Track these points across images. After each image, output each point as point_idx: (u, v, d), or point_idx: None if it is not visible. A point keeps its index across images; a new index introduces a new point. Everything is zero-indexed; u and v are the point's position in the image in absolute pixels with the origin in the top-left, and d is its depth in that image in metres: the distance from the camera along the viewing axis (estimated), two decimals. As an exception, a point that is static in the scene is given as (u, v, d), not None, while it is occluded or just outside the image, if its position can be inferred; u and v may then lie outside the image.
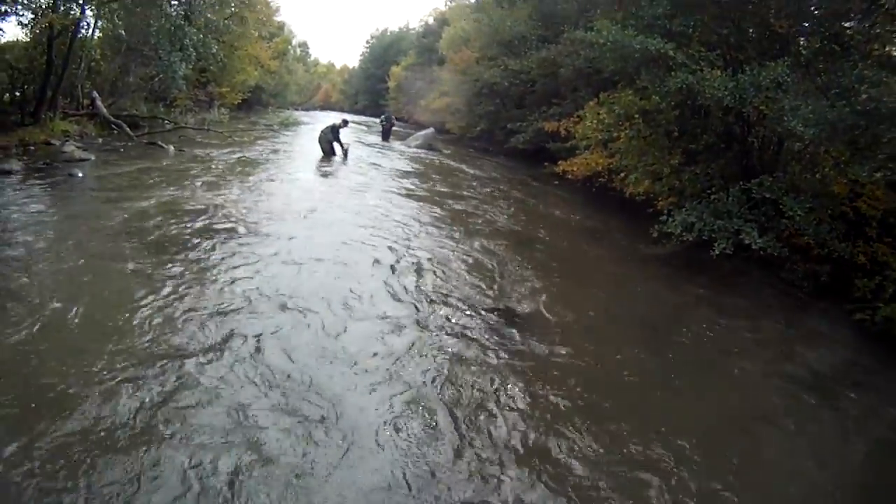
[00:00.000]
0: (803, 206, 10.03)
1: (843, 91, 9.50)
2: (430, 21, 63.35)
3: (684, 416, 5.96)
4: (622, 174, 15.96)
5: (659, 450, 5.23)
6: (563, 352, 6.96)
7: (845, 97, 9.34)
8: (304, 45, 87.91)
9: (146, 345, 5.61)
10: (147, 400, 4.75)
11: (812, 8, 10.86)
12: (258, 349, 5.88)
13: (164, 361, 5.38)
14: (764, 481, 5.11)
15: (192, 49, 20.07)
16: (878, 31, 10.78)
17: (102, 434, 4.31)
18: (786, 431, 6.11)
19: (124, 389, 4.85)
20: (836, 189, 11.06)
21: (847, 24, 11.02)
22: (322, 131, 20.80)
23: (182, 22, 19.30)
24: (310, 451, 4.48)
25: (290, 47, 61.34)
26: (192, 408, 4.77)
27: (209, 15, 21.42)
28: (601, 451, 5.09)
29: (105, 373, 5.04)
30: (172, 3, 19.42)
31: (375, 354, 6.20)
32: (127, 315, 6.12)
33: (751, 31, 11.61)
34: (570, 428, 5.37)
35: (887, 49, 11.22)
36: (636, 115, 14.18)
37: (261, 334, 6.19)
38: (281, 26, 52.50)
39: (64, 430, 4.28)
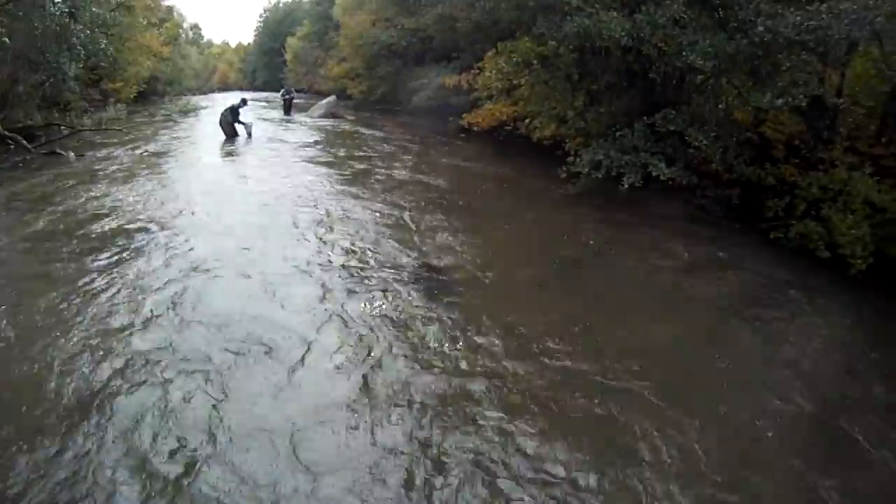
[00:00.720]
0: (708, 135, 10.33)
1: (741, 24, 9.70)
2: None
3: (617, 344, 6.14)
4: (527, 120, 16.18)
5: (596, 375, 5.48)
6: (488, 298, 7.07)
7: (743, 30, 9.55)
8: (195, 28, 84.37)
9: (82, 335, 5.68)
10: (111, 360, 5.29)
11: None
12: (197, 319, 6.18)
13: (110, 337, 5.70)
14: (698, 397, 5.34)
15: (80, 47, 18.87)
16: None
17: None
18: (716, 346, 6.35)
19: (85, 361, 5.28)
20: (739, 117, 11.48)
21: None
22: (222, 114, 20.12)
23: (67, 20, 18.18)
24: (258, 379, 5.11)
25: (181, 31, 58.30)
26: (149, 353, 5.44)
27: (94, 9, 20.10)
28: (542, 384, 5.27)
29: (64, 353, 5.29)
30: (56, 1, 18.18)
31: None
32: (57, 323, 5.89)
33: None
34: (508, 365, 5.53)
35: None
36: (535, 62, 14.19)
37: (200, 303, 6.50)
38: (169, 10, 50.15)
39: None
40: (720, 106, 11.59)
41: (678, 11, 10.00)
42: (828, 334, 6.88)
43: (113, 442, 4.26)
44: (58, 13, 17.81)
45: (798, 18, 8.69)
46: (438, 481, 4.05)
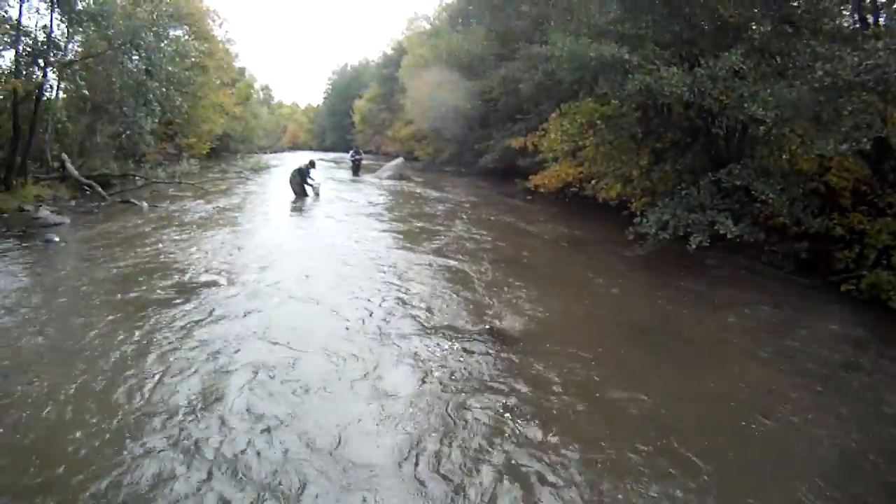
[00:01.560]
0: (774, 188, 10.14)
1: (799, 70, 9.67)
2: (389, 51, 62.00)
3: (689, 412, 5.86)
4: (593, 181, 16.17)
5: (676, 447, 5.19)
6: (560, 366, 6.76)
7: (802, 76, 9.49)
8: (266, 89, 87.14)
9: (147, 400, 5.54)
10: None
11: (761, -7, 10.83)
12: (262, 386, 5.91)
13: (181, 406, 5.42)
14: (784, 464, 5.11)
15: (156, 103, 20.01)
16: (825, 5, 10.91)
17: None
18: (799, 412, 6.03)
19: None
20: (804, 167, 11.31)
21: (795, 4, 11.18)
22: (291, 174, 20.80)
23: (144, 77, 19.25)
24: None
25: (252, 91, 60.55)
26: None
27: (170, 68, 21.19)
28: (613, 459, 5.00)
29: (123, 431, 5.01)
30: (133, 58, 19.30)
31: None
32: (122, 377, 5.94)
33: (703, 24, 11.74)
34: (578, 436, 5.32)
35: (837, 22, 11.43)
36: (599, 122, 14.38)
37: (263, 369, 6.21)
38: (241, 71, 52.47)
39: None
40: (784, 156, 11.49)
41: (737, 63, 10.04)
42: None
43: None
44: (135, 69, 18.96)
45: (856, 59, 8.59)
46: None
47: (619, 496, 4.50)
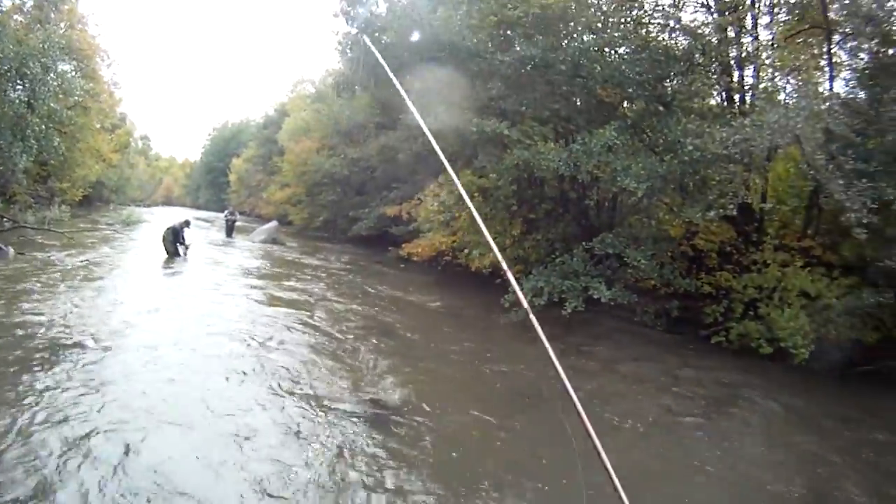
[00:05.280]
0: (645, 254, 10.84)
1: (671, 144, 10.55)
2: (271, 112, 61.16)
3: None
4: (465, 250, 16.35)
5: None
6: (440, 436, 6.73)
7: (672, 150, 10.39)
8: (145, 139, 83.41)
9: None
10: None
11: (637, 73, 11.39)
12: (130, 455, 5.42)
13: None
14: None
15: (33, 140, 18.51)
16: (696, 87, 11.99)
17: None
18: (676, 463, 6.44)
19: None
20: (672, 232, 12.23)
21: (668, 84, 12.12)
22: (165, 231, 19.86)
23: (25, 110, 17.99)
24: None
25: (131, 140, 57.77)
26: None
27: (52, 104, 19.75)
28: None
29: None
30: (17, 88, 18.30)
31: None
32: None
33: (579, 102, 12.48)
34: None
35: (706, 101, 12.64)
36: (476, 194, 14.67)
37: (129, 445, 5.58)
38: (122, 118, 50.20)
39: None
40: (653, 223, 12.36)
41: (611, 138, 10.70)
42: (778, 430, 7.39)
43: None
44: (16, 101, 17.91)
45: (724, 134, 9.37)
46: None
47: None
